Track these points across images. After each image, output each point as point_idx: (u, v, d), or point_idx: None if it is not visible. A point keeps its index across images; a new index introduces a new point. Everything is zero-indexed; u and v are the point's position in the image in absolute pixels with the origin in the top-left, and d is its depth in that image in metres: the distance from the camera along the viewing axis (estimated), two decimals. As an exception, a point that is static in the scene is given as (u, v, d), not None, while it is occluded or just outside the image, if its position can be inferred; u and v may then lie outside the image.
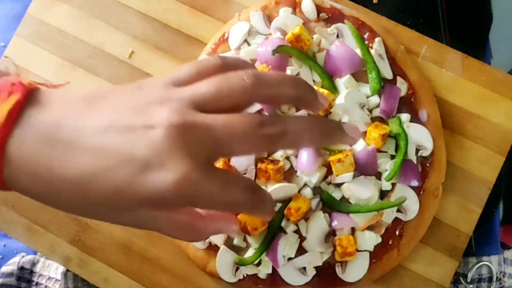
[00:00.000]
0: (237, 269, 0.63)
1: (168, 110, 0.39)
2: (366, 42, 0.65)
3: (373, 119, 0.63)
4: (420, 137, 0.63)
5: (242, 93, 0.42)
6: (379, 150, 0.62)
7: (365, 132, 0.62)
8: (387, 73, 0.64)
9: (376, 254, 0.62)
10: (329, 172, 0.62)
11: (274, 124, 0.41)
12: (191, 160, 0.38)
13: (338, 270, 0.62)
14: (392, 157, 0.63)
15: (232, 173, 0.46)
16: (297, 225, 0.62)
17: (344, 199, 0.62)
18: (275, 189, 0.61)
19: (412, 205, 0.62)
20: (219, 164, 0.60)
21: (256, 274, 0.63)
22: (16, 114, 0.40)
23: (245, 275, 0.63)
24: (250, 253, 0.62)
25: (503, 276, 0.68)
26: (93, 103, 0.42)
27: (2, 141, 0.40)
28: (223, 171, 0.44)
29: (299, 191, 0.62)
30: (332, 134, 0.47)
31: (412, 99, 0.64)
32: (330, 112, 0.63)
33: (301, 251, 0.62)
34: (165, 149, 0.38)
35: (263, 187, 0.62)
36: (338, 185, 0.62)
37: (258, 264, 0.62)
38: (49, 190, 0.41)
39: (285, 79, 0.45)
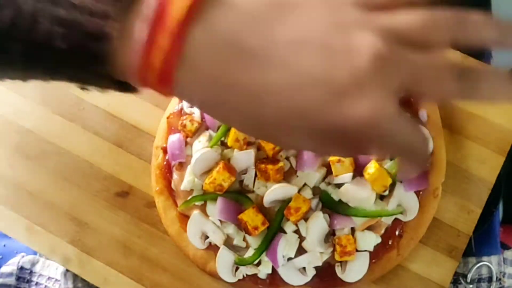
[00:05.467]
0: (237, 269, 0.63)
1: (372, 37, 0.35)
2: (366, 42, 0.64)
3: (373, 119, 0.63)
4: (420, 137, 0.63)
5: (445, 33, 0.38)
6: (379, 150, 0.62)
7: (365, 132, 0.62)
8: (387, 73, 0.64)
9: (376, 254, 0.62)
10: (329, 172, 0.62)
11: (467, 76, 0.37)
12: (390, 95, 0.36)
13: (338, 270, 0.62)
14: (392, 157, 0.63)
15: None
16: (296, 225, 0.62)
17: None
18: (275, 189, 0.61)
19: (412, 205, 0.62)
20: (220, 165, 0.60)
21: (256, 274, 0.63)
22: (196, 11, 0.35)
23: (245, 275, 0.63)
24: (250, 253, 0.62)
25: (503, 276, 0.68)
26: (281, 11, 0.37)
27: (180, 40, 0.35)
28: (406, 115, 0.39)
29: (299, 191, 0.62)
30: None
31: (412, 99, 0.64)
32: (330, 112, 0.63)
33: (301, 251, 0.62)
34: (368, 78, 0.35)
35: (263, 187, 0.62)
36: (338, 186, 0.62)
37: (258, 264, 0.62)
38: (220, 100, 0.38)
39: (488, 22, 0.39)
